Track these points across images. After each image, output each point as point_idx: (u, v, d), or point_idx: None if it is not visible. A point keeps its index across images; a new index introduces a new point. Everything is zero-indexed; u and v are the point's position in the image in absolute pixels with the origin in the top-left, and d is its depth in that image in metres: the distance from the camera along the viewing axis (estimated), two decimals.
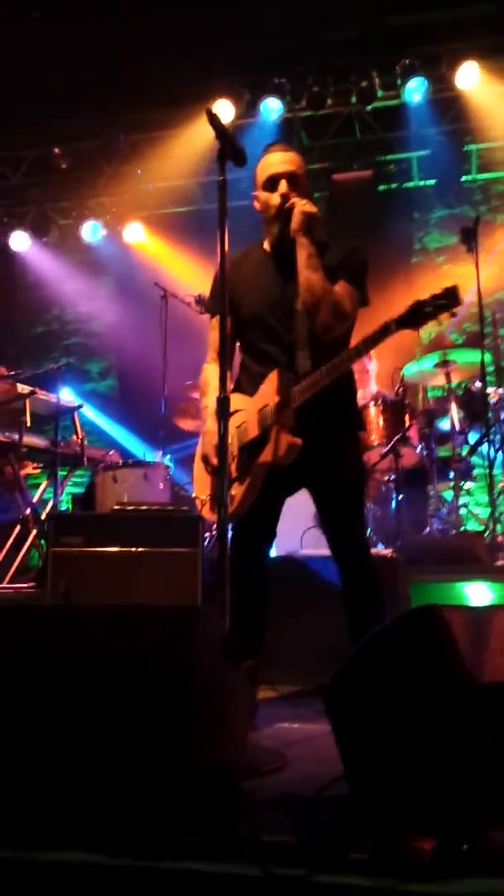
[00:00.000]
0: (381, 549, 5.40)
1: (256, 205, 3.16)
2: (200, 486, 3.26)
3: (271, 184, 3.10)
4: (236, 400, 3.09)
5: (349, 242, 3.21)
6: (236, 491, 3.05)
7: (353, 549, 3.11)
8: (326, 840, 1.62)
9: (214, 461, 2.98)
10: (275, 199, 3.07)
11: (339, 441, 3.07)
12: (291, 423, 2.94)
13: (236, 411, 3.04)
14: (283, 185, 3.06)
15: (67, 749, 1.74)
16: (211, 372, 3.19)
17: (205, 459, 3.16)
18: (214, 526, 3.61)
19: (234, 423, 3.04)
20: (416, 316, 2.80)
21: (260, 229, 3.24)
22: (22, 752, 1.77)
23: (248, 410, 3.11)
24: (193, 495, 3.30)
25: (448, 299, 2.76)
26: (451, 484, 5.64)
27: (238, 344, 3.26)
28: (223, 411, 2.59)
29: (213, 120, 2.64)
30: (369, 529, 5.75)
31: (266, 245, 3.22)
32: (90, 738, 1.75)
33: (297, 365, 2.99)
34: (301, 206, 3.00)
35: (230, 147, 2.71)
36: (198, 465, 3.28)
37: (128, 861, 1.57)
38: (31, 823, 1.69)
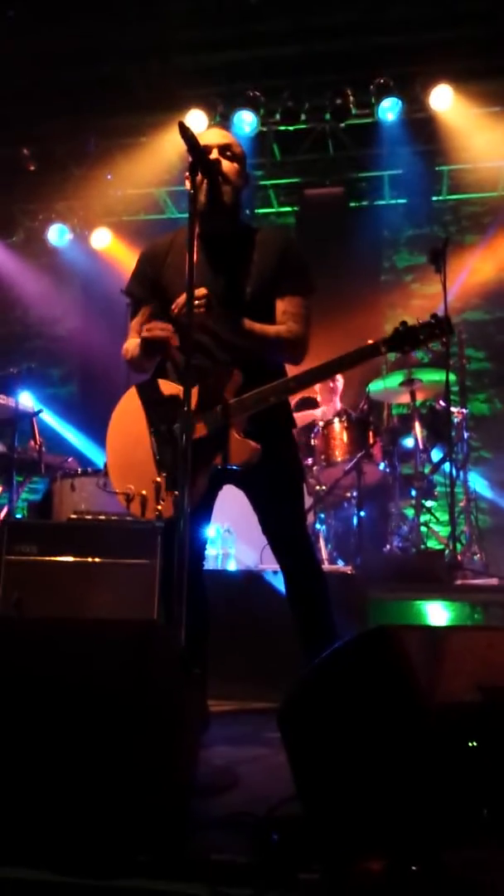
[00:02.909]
0: (340, 566, 5.45)
1: (187, 184, 2.88)
2: (123, 475, 2.99)
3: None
4: (165, 387, 3.02)
5: (284, 238, 3.19)
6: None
7: (293, 544, 3.02)
8: (276, 860, 1.59)
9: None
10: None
11: (273, 437, 2.95)
12: (245, 425, 2.85)
13: (166, 399, 2.97)
14: (214, 152, 2.97)
15: (14, 763, 1.70)
16: (135, 344, 3.16)
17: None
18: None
19: (166, 413, 2.94)
20: (406, 341, 2.81)
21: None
22: None
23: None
24: (114, 490, 2.97)
25: (439, 328, 2.80)
26: (413, 502, 5.63)
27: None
28: (188, 428, 2.49)
29: (185, 132, 2.58)
30: (329, 545, 5.81)
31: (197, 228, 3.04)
32: (39, 752, 1.70)
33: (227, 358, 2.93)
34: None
35: (201, 160, 2.69)
36: (119, 447, 3.05)
37: (77, 879, 1.53)
38: None
